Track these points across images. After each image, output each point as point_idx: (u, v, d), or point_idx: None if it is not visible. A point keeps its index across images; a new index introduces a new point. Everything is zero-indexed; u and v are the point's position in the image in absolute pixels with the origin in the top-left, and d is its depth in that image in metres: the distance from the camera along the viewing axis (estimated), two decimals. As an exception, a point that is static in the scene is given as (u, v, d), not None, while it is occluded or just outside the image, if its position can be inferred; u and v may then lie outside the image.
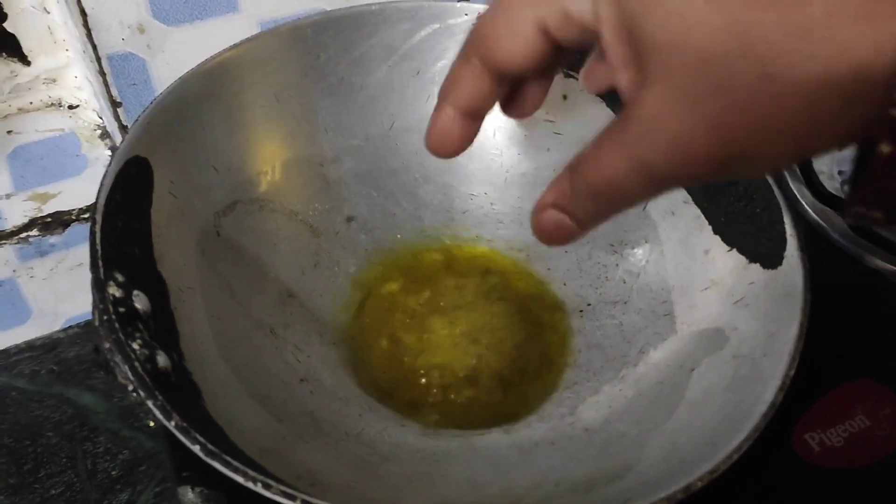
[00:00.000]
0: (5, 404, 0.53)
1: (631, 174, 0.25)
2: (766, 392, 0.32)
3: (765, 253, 0.39)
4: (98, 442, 0.52)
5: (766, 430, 0.32)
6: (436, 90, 0.49)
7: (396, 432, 0.40)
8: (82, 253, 0.56)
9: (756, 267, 0.39)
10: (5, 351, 0.56)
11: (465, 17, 0.48)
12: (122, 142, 0.38)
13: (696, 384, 0.38)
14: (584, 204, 0.27)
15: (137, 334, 0.32)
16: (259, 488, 0.28)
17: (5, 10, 0.49)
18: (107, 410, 0.53)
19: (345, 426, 0.40)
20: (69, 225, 0.54)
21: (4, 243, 0.52)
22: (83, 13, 0.45)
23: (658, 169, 0.24)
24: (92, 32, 0.45)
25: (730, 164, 0.24)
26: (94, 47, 0.46)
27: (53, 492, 0.49)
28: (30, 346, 0.57)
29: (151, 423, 0.53)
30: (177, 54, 0.48)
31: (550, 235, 0.29)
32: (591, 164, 0.26)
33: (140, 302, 0.33)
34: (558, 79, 0.48)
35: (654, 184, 0.25)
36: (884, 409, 0.46)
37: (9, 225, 0.52)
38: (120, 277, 0.33)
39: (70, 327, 0.58)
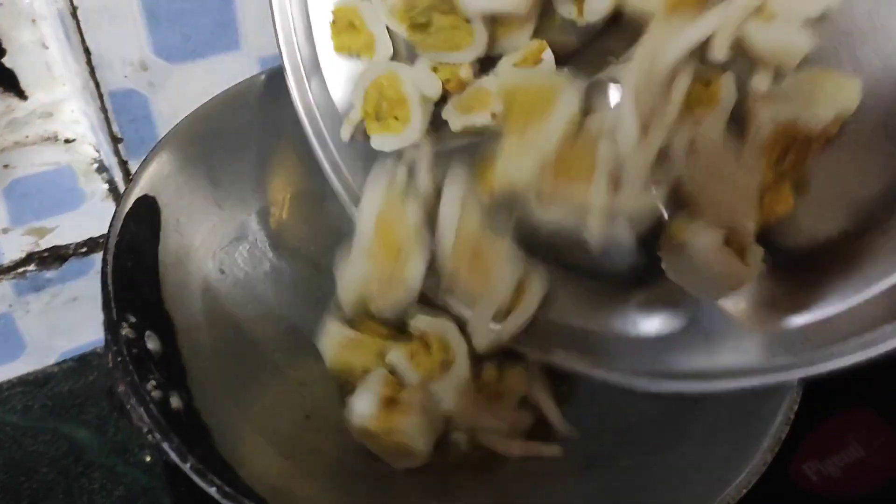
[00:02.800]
0: (-1, 440, 0.53)
1: None
2: (771, 427, 0.33)
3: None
4: (93, 478, 0.51)
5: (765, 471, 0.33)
6: (435, 125, 0.51)
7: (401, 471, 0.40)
8: (78, 287, 0.56)
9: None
10: (-3, 386, 0.56)
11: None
12: (128, 183, 0.39)
13: (700, 420, 0.38)
14: None
15: (151, 376, 0.32)
16: (276, 529, 0.29)
17: (4, 46, 0.49)
18: (101, 445, 0.53)
19: (351, 464, 0.40)
20: (66, 259, 0.54)
21: (2, 278, 0.52)
22: (87, 51, 0.45)
23: None
24: (95, 70, 0.46)
25: None
26: (97, 84, 0.46)
27: (50, 530, 0.48)
28: (22, 381, 0.56)
29: (148, 458, 0.52)
30: (178, 91, 0.49)
31: None
32: None
33: (152, 343, 0.34)
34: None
35: None
36: (877, 438, 0.47)
37: (6, 260, 0.52)
38: (132, 318, 0.34)
39: (63, 361, 0.57)
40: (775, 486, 0.44)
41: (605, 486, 0.38)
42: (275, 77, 0.46)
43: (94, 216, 0.54)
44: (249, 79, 0.45)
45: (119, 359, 0.31)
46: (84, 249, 0.54)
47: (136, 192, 0.38)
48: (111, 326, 0.32)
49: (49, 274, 0.54)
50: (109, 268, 0.34)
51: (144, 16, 0.45)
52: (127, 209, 0.37)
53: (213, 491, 0.29)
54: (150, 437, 0.30)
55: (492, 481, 0.40)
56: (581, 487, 0.38)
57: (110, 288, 0.33)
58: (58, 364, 0.57)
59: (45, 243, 0.53)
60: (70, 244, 0.54)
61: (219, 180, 0.44)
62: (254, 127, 0.46)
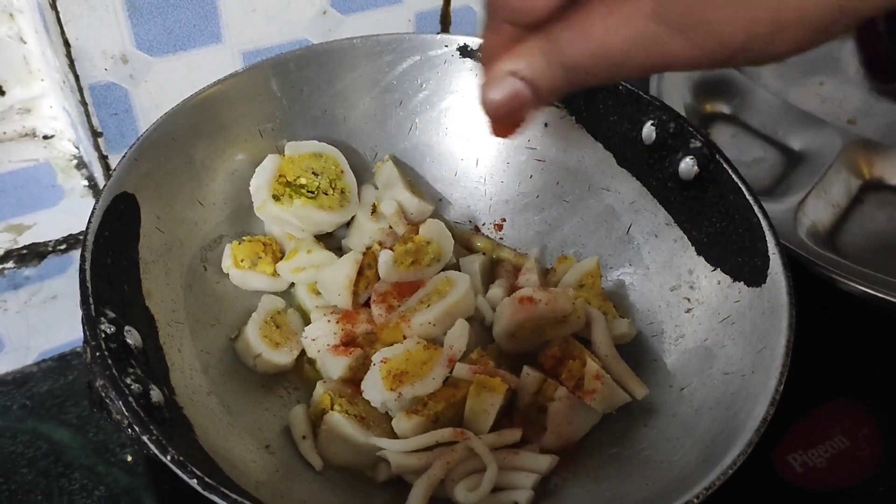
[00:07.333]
0: (-23, 441, 0.52)
1: (636, 43, 0.24)
2: (757, 407, 0.33)
3: (748, 271, 0.40)
4: (73, 478, 0.50)
5: (750, 452, 0.32)
6: (418, 120, 0.51)
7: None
8: (57, 285, 0.55)
9: (740, 285, 0.40)
10: (-26, 387, 0.54)
11: (444, 49, 0.49)
12: (108, 178, 0.38)
13: (686, 403, 0.38)
14: (553, 74, 0.26)
15: (130, 370, 0.32)
16: (258, 521, 0.28)
17: (-20, 41, 0.49)
18: (81, 446, 0.52)
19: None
20: (45, 257, 0.53)
21: (-21, 276, 0.51)
22: (66, 44, 0.44)
23: (667, 42, 0.24)
24: (75, 63, 0.45)
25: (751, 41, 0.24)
26: (77, 77, 0.46)
27: (29, 531, 0.47)
28: (0, 381, 0.55)
29: (129, 458, 0.52)
30: (160, 84, 0.48)
31: (501, 106, 0.27)
32: (584, 35, 0.25)
33: (132, 338, 0.33)
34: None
35: (658, 57, 0.24)
36: (862, 428, 0.47)
37: (-17, 257, 0.51)
38: (111, 314, 0.33)
39: (42, 361, 0.56)
40: (760, 477, 0.45)
41: (592, 473, 0.38)
42: (257, 72, 0.46)
43: (73, 213, 0.54)
44: (231, 75, 0.45)
45: (98, 353, 0.31)
46: (63, 247, 0.53)
47: (115, 189, 0.38)
48: (90, 321, 0.32)
49: (27, 271, 0.53)
50: (88, 264, 0.34)
51: (126, 8, 0.45)
52: (106, 206, 0.37)
53: (193, 482, 0.28)
54: (129, 430, 0.29)
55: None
56: (569, 476, 0.38)
57: (89, 284, 0.33)
58: (36, 364, 0.56)
59: (24, 240, 0.52)
60: (49, 241, 0.53)
61: (199, 177, 0.43)
62: (235, 123, 0.45)
